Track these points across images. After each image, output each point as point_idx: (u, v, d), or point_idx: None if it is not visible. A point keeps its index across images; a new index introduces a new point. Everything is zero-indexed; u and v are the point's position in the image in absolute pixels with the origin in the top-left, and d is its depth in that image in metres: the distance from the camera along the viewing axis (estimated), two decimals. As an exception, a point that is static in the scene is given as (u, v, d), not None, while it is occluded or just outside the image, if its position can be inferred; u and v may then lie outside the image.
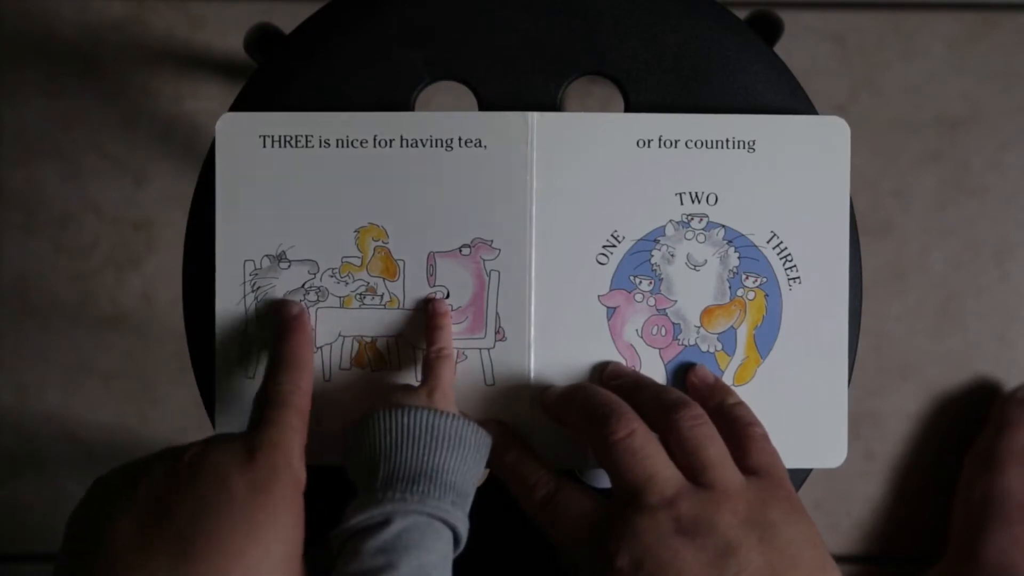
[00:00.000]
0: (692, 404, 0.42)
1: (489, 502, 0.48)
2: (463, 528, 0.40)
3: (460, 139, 0.46)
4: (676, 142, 0.47)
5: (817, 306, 0.47)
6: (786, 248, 0.47)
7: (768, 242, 0.47)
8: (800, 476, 0.48)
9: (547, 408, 0.45)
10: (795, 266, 0.47)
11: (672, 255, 0.47)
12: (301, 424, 0.41)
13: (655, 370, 0.47)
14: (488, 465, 0.44)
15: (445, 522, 0.39)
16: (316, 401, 0.46)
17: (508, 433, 0.45)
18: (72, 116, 0.93)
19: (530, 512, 0.43)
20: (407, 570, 0.37)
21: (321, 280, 0.47)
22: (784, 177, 0.47)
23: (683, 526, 0.38)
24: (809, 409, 0.47)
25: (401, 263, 0.47)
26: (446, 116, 0.46)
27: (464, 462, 0.41)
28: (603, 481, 0.49)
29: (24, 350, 0.94)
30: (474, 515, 0.45)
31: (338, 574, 0.38)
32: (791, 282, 0.47)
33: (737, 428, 0.42)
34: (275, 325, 0.45)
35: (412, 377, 0.47)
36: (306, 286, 0.47)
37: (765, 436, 0.42)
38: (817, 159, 0.47)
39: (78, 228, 0.94)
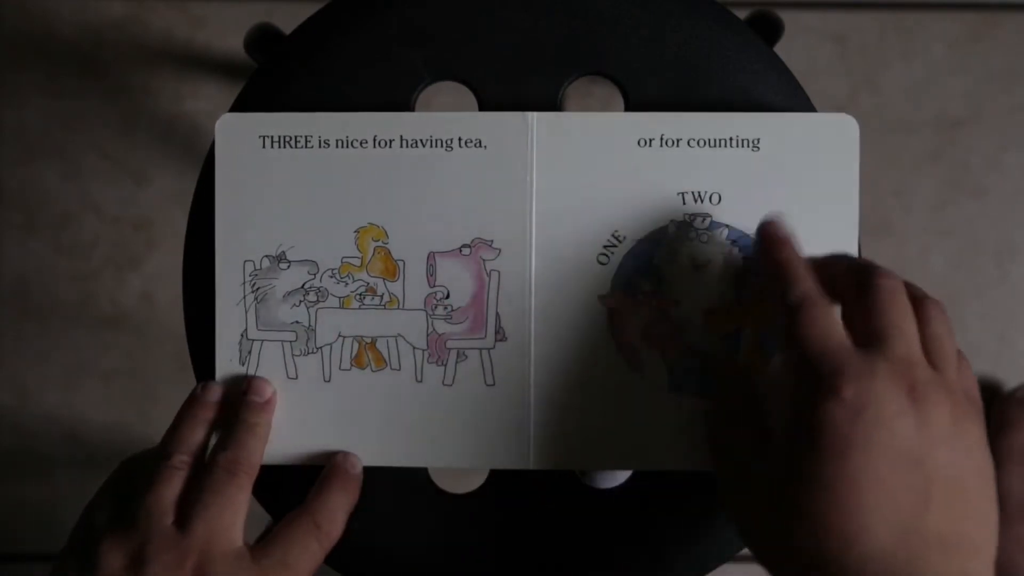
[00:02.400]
0: (941, 303, 0.42)
1: (490, 502, 0.48)
2: None
3: (460, 139, 0.46)
4: (678, 141, 0.46)
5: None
6: (789, 249, 0.46)
7: (771, 243, 0.46)
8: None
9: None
10: (798, 266, 0.46)
11: (674, 255, 0.47)
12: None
13: (657, 371, 0.47)
14: (761, 256, 0.43)
15: None
16: (315, 402, 0.47)
17: (786, 229, 0.43)
18: (72, 116, 0.93)
19: (775, 307, 0.41)
20: None
21: (321, 280, 0.47)
22: (790, 176, 0.46)
23: (915, 394, 0.37)
24: None
25: (401, 263, 0.47)
26: (446, 116, 0.46)
27: None
28: (604, 482, 0.49)
29: (24, 350, 0.94)
30: (475, 516, 0.45)
31: None
32: (793, 282, 0.46)
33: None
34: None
35: (412, 377, 0.47)
36: (306, 286, 0.47)
37: (970, 367, 0.43)
38: (825, 158, 0.46)
39: (78, 228, 0.94)
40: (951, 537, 0.37)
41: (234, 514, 0.41)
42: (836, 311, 0.41)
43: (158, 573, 0.39)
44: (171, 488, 0.42)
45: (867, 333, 0.39)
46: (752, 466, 0.41)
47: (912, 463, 0.37)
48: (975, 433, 0.39)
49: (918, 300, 0.41)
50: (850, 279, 0.41)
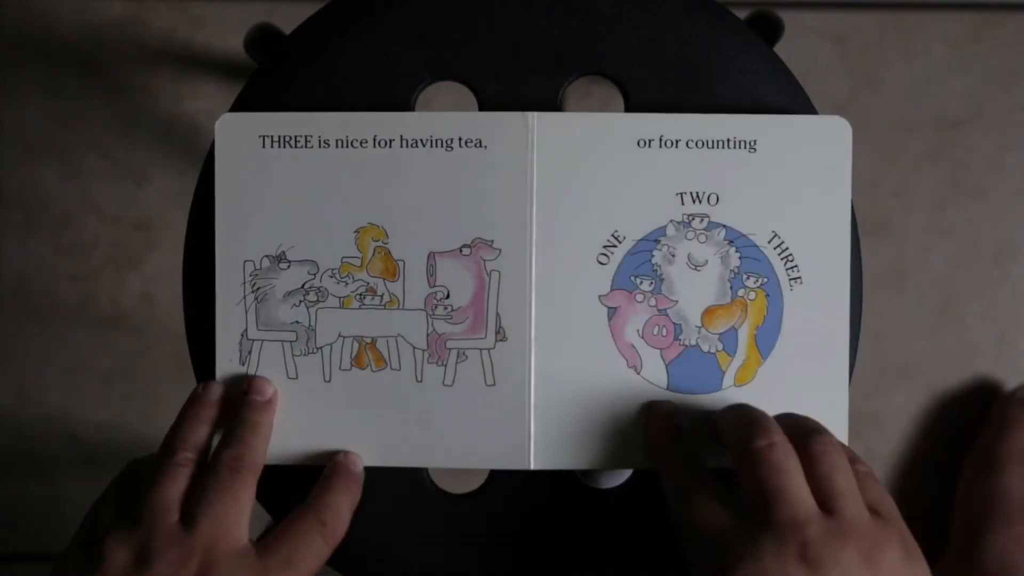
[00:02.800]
0: (827, 432, 0.42)
1: (490, 502, 0.48)
2: None
3: (460, 139, 0.46)
4: (677, 142, 0.47)
5: (818, 306, 0.47)
6: (787, 248, 0.47)
7: (769, 242, 0.47)
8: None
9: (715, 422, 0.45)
10: (796, 266, 0.47)
11: (673, 255, 0.47)
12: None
13: (656, 371, 0.47)
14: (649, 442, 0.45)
15: None
16: (316, 402, 0.47)
17: (675, 415, 0.45)
18: (72, 116, 0.93)
19: (667, 492, 0.43)
20: None
21: (321, 280, 0.47)
22: (785, 177, 0.47)
23: (807, 554, 0.37)
24: (810, 410, 0.46)
25: (401, 263, 0.47)
26: (446, 116, 0.46)
27: None
28: (604, 482, 0.49)
29: (24, 350, 0.94)
30: (475, 516, 0.45)
31: None
32: (792, 282, 0.47)
33: None
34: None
35: (412, 377, 0.47)
36: (306, 286, 0.47)
37: (871, 474, 0.42)
38: (818, 159, 0.47)
39: (78, 228, 0.94)
40: None
41: (239, 512, 0.41)
42: (715, 491, 0.42)
43: (163, 570, 0.39)
44: (175, 485, 0.41)
45: (750, 503, 0.40)
46: None
47: None
48: (889, 555, 0.38)
49: (802, 439, 0.41)
50: (734, 447, 0.42)
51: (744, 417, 0.43)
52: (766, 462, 0.40)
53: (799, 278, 0.47)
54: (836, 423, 0.46)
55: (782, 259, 0.47)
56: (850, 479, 0.40)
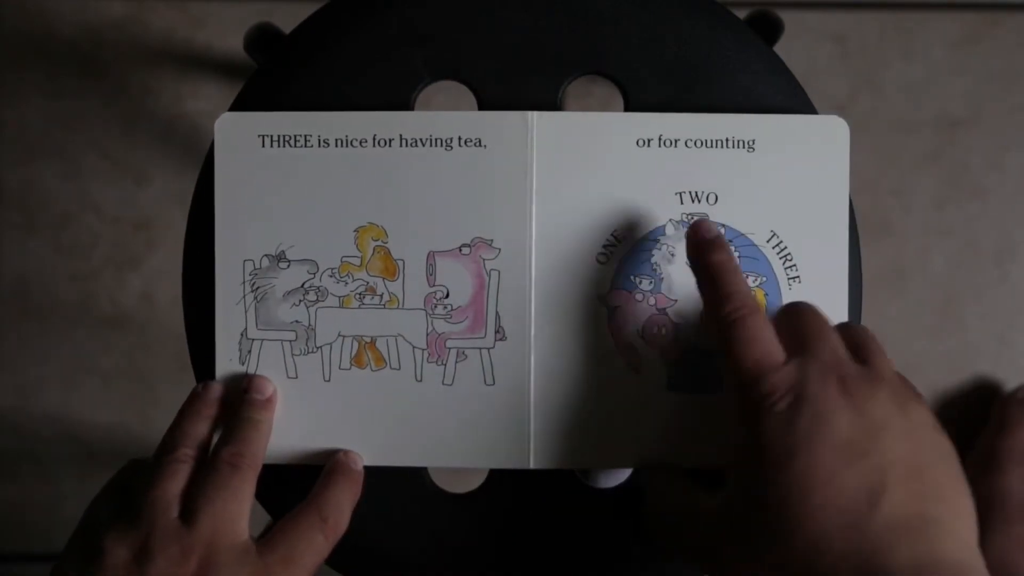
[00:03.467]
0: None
1: (489, 502, 0.48)
2: None
3: (460, 139, 0.46)
4: (676, 141, 0.47)
5: (817, 305, 0.46)
6: (786, 248, 0.47)
7: (768, 241, 0.47)
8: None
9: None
10: (795, 265, 0.47)
11: (673, 254, 0.47)
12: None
13: (656, 370, 0.47)
14: (691, 260, 0.44)
15: None
16: (315, 402, 0.47)
17: (715, 230, 0.44)
18: (72, 116, 0.93)
19: (709, 322, 0.43)
20: None
21: (320, 280, 0.47)
22: (784, 176, 0.47)
23: (847, 388, 0.38)
24: None
25: (401, 263, 0.47)
26: (446, 116, 0.46)
27: None
28: (603, 482, 0.49)
29: (24, 350, 0.94)
30: (475, 515, 0.45)
31: None
32: (791, 282, 0.47)
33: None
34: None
35: (412, 377, 0.47)
36: (305, 286, 0.47)
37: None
38: (817, 158, 0.47)
39: (78, 228, 0.94)
40: (913, 521, 0.36)
41: (239, 508, 0.41)
42: (767, 322, 0.42)
43: (163, 566, 0.39)
44: (175, 482, 0.41)
45: (793, 344, 0.40)
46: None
47: (857, 455, 0.37)
48: (920, 413, 0.39)
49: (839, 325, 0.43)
50: (779, 315, 0.43)
51: (709, 266, 0.43)
52: (809, 312, 0.42)
53: (797, 277, 0.47)
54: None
55: (780, 258, 0.47)
56: (880, 348, 0.41)
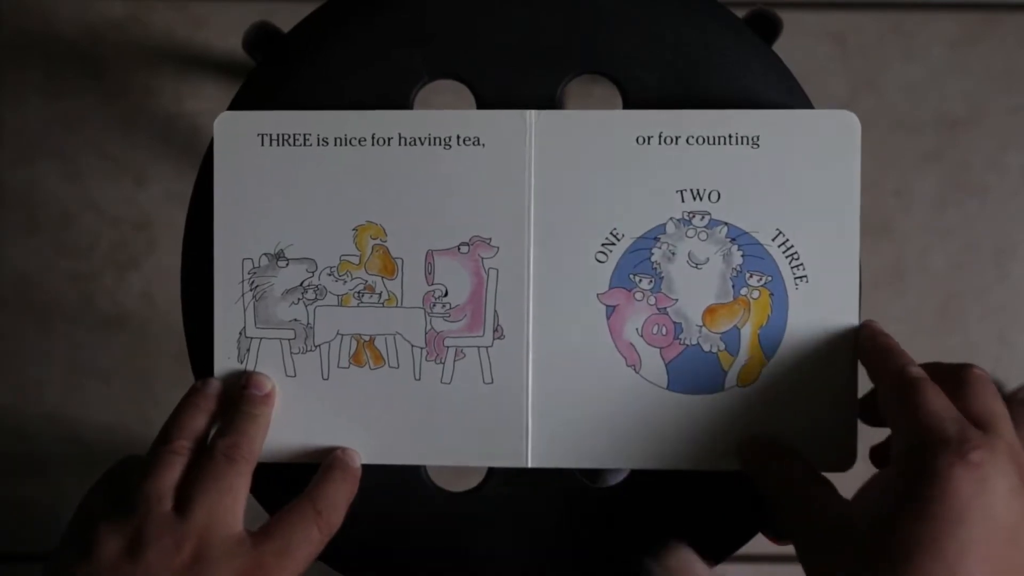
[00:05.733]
0: (975, 365, 0.42)
1: (487, 500, 0.48)
2: None
3: (459, 137, 0.46)
4: (676, 139, 0.46)
5: (825, 306, 0.46)
6: (792, 246, 0.46)
7: (773, 240, 0.46)
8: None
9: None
10: (802, 264, 0.46)
11: (673, 253, 0.47)
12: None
13: (655, 370, 0.46)
14: (863, 346, 0.44)
15: None
16: (314, 400, 0.47)
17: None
18: (72, 116, 0.93)
19: (888, 387, 0.41)
20: None
21: (319, 278, 0.47)
22: (790, 173, 0.46)
23: (970, 460, 0.37)
24: (817, 412, 0.45)
25: (399, 261, 0.47)
26: (445, 114, 0.46)
27: None
28: (602, 481, 0.49)
29: (24, 350, 0.94)
30: (473, 514, 0.45)
31: None
32: (797, 281, 0.46)
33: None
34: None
35: (411, 375, 0.47)
36: (304, 284, 0.47)
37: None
38: (826, 155, 0.46)
39: (78, 228, 0.94)
40: None
41: (234, 499, 0.41)
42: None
43: (155, 558, 0.39)
44: (170, 473, 0.41)
45: (975, 417, 0.39)
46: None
47: (1014, 542, 0.36)
48: None
49: (951, 372, 0.42)
50: (943, 372, 0.41)
51: (883, 345, 0.43)
52: (987, 387, 0.40)
53: (804, 277, 0.46)
54: (845, 427, 0.46)
55: (787, 257, 0.46)
56: (1003, 406, 0.40)
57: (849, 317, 0.46)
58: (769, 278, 0.46)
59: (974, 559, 0.35)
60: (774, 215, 0.46)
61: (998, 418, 0.39)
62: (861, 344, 0.45)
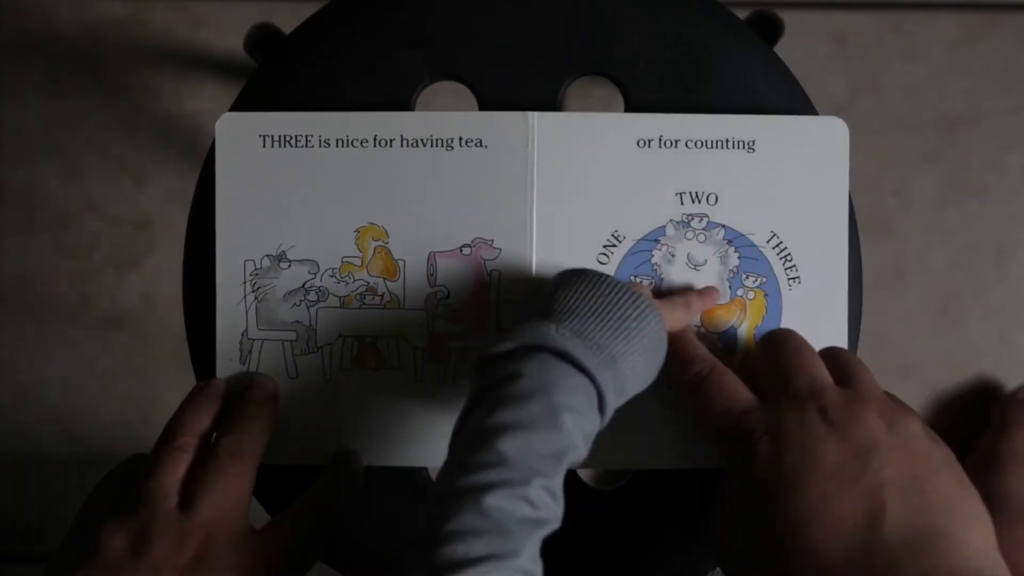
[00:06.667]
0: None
1: (489, 502, 0.48)
2: (610, 401, 0.39)
3: (460, 139, 0.46)
4: (676, 142, 0.47)
5: (817, 306, 0.47)
6: (786, 248, 0.47)
7: (768, 242, 0.47)
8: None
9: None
10: (795, 266, 0.47)
11: (673, 255, 0.47)
12: None
13: (655, 370, 0.47)
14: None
15: (592, 378, 0.38)
16: (315, 401, 0.47)
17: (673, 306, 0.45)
18: (72, 116, 0.93)
19: (678, 389, 0.43)
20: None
21: (321, 280, 0.47)
22: (784, 177, 0.47)
23: (829, 417, 0.38)
24: None
25: (401, 263, 0.47)
26: (446, 116, 0.46)
27: (641, 356, 0.40)
28: (604, 483, 0.49)
29: (24, 350, 0.94)
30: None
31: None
32: (791, 282, 0.47)
33: None
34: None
35: (412, 377, 0.47)
36: (306, 286, 0.47)
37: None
38: (816, 159, 0.47)
39: (78, 228, 0.94)
40: (919, 535, 0.36)
41: (238, 497, 0.41)
42: (730, 373, 0.42)
43: (161, 554, 0.39)
44: (174, 471, 0.41)
45: (770, 379, 0.41)
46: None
47: (849, 480, 0.37)
48: (910, 426, 0.39)
49: (825, 350, 0.43)
50: (758, 347, 0.43)
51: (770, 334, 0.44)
52: (783, 340, 0.42)
53: (797, 278, 0.47)
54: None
55: (781, 259, 0.47)
56: (861, 367, 0.41)
57: (839, 316, 0.47)
58: (764, 279, 0.47)
59: (811, 519, 0.37)
60: (768, 217, 0.47)
61: (788, 370, 0.41)
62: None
